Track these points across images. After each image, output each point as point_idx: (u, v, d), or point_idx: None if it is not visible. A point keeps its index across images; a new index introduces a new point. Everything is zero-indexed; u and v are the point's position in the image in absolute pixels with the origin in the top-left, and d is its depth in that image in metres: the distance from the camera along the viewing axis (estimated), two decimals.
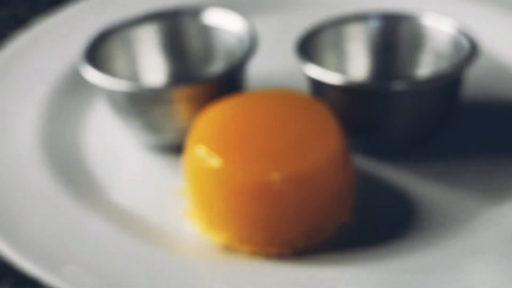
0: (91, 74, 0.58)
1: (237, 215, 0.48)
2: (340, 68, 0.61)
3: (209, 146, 0.48)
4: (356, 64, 0.61)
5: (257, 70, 0.64)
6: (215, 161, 0.48)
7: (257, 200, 0.47)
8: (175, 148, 0.59)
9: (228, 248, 0.49)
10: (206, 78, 0.57)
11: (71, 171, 0.58)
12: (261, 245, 0.48)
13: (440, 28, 0.58)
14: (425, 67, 0.60)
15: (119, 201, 0.55)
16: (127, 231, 0.52)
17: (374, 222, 0.51)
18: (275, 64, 0.67)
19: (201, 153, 0.49)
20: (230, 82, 0.58)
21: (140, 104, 0.56)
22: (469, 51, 0.55)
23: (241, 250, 0.49)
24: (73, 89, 0.67)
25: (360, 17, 0.60)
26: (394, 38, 0.60)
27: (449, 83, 0.54)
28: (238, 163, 0.47)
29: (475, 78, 0.60)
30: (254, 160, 0.47)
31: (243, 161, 0.47)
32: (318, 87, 0.56)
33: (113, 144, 0.62)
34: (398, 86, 0.53)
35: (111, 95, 0.58)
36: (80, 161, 0.60)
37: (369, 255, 0.48)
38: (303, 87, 0.57)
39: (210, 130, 0.50)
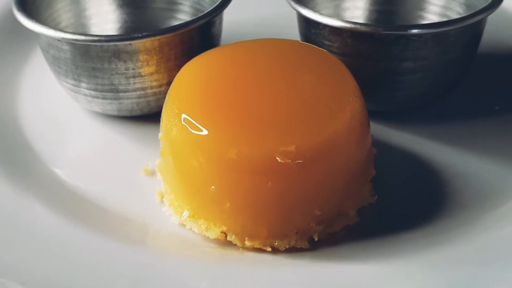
0: (27, 22, 0.45)
1: (237, 201, 0.36)
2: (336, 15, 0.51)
3: (197, 114, 0.37)
4: (355, 15, 0.51)
5: (234, 23, 0.53)
6: (206, 133, 0.36)
7: (263, 181, 0.36)
8: (134, 116, 0.47)
9: (223, 244, 0.38)
10: (176, 26, 0.44)
11: (6, 143, 0.46)
12: (268, 239, 0.37)
13: None
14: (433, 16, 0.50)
15: (71, 183, 0.43)
16: (77, 219, 0.40)
17: (399, 202, 0.41)
18: (253, 15, 0.55)
19: (186, 123, 0.37)
20: (204, 33, 0.46)
21: (94, 60, 0.44)
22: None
23: (241, 246, 0.38)
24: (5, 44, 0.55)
25: None
26: None
27: (470, 29, 0.44)
28: (238, 135, 0.36)
29: (492, 33, 0.51)
30: (257, 130, 0.36)
31: (243, 132, 0.36)
32: (316, 35, 0.45)
33: (56, 112, 0.49)
34: (416, 29, 0.43)
35: (53, 49, 0.45)
36: (17, 132, 0.47)
37: (400, 246, 0.38)
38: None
39: (196, 92, 0.38)
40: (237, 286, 0.36)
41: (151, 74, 0.45)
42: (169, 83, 0.46)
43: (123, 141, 0.47)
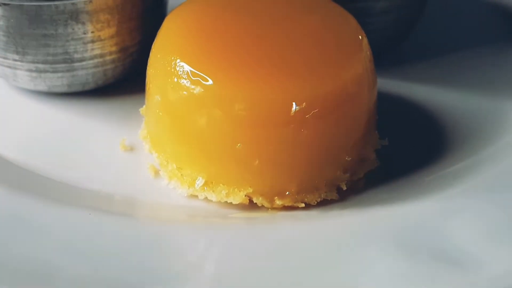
0: None
1: (267, 156, 0.32)
2: None
3: (210, 65, 0.32)
4: None
5: None
6: (229, 85, 0.32)
7: (296, 131, 0.32)
8: (84, 92, 0.42)
9: (247, 208, 0.34)
10: None
11: None
12: (298, 194, 0.34)
13: None
14: None
15: (47, 173, 0.37)
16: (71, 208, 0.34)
17: (405, 142, 0.39)
18: None
19: (197, 77, 0.32)
20: None
21: (46, 24, 0.37)
22: None
23: (270, 207, 0.34)
24: None
25: None
26: None
27: None
28: (266, 84, 0.32)
29: None
30: (283, 77, 0.32)
31: (271, 80, 0.32)
32: None
33: None
34: None
35: None
36: None
37: (427, 183, 0.36)
38: None
39: (196, 42, 0.33)
40: (278, 246, 0.32)
41: (112, 37, 0.39)
42: (128, 47, 0.41)
43: (82, 119, 0.40)
